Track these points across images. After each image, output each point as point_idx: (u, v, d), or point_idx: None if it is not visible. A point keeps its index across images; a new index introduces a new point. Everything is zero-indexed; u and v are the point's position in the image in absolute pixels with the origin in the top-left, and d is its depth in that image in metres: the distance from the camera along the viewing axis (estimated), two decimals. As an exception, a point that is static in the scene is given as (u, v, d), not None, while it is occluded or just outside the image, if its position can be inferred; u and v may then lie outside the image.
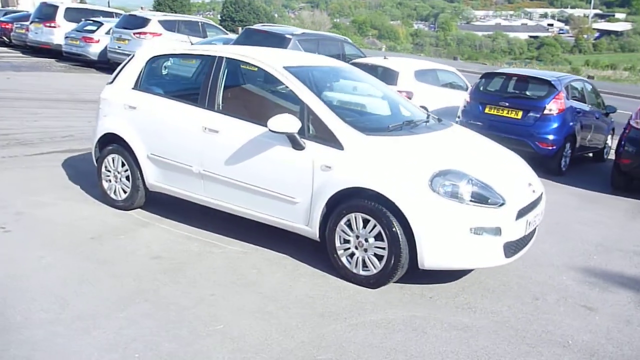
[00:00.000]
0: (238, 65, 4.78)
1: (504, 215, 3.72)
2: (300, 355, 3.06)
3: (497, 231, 3.68)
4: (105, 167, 5.31)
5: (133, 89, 5.13)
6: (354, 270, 3.98)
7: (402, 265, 3.78)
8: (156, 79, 5.30)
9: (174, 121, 4.77)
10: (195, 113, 4.63)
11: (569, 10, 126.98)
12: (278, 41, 10.64)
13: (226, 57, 4.65)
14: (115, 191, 5.29)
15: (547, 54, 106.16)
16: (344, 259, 4.02)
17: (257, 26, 12.76)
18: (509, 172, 4.19)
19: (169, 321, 3.32)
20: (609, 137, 10.03)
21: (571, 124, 8.11)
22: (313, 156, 4.01)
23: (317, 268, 4.22)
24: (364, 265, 3.93)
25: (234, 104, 4.67)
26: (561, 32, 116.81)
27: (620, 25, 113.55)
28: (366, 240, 3.88)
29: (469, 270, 4.29)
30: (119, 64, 5.70)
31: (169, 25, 13.95)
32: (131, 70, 5.22)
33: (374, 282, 3.90)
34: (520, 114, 8.02)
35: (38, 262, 4.06)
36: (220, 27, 16.84)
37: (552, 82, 8.08)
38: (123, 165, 5.18)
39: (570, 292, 4.16)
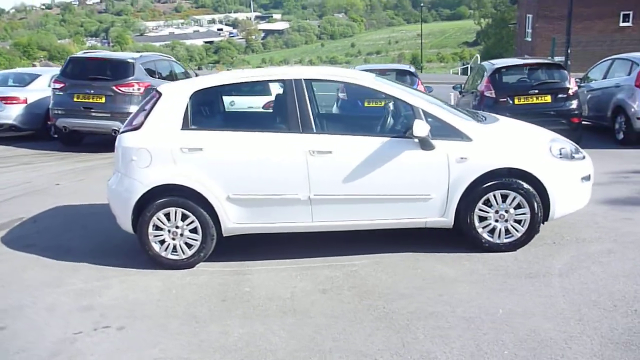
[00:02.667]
0: (319, 85, 4.74)
1: (590, 164, 4.84)
2: (610, 306, 3.62)
3: (589, 177, 4.78)
4: (155, 226, 4.59)
5: (183, 129, 4.55)
6: (497, 241, 4.59)
7: (541, 223, 4.58)
8: (210, 113, 4.79)
9: (262, 153, 4.49)
10: (291, 139, 4.48)
11: (233, 15, 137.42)
12: (119, 66, 9.78)
13: (305, 79, 4.59)
14: (175, 249, 4.63)
15: (227, 57, 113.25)
16: (485, 235, 4.59)
17: (81, 54, 11.21)
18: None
19: (482, 335, 3.38)
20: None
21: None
22: (446, 152, 4.44)
23: (454, 253, 4.66)
24: (507, 233, 4.59)
25: (334, 122, 4.68)
26: (232, 35, 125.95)
27: (280, 25, 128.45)
28: (506, 212, 4.54)
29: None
30: None
31: None
32: (168, 110, 4.60)
33: (519, 243, 4.59)
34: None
35: (260, 345, 3.55)
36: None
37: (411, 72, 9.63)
38: (185, 217, 4.57)
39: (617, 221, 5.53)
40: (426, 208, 4.55)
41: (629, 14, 29.99)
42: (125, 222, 4.69)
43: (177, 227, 4.61)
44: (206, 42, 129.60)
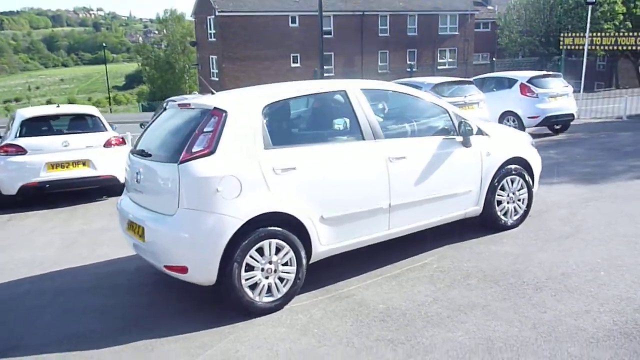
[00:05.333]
0: (374, 94, 4.71)
1: (535, 151, 6.15)
2: None
3: (539, 161, 6.10)
4: (247, 266, 3.90)
5: (267, 149, 3.99)
6: (510, 220, 5.43)
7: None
8: (285, 128, 4.21)
9: (350, 166, 4.32)
10: (369, 147, 4.43)
11: None
12: None
13: (362, 89, 4.60)
14: (268, 291, 4.01)
15: None
16: (502, 216, 5.39)
17: None
18: None
19: (625, 272, 4.19)
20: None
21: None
22: (479, 148, 5.09)
23: (479, 237, 5.30)
24: (515, 212, 5.48)
25: (396, 127, 4.74)
26: None
27: None
28: (513, 194, 5.44)
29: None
30: None
31: None
32: (242, 129, 3.97)
33: (521, 218, 5.54)
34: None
35: None
36: None
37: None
38: (278, 250, 4.03)
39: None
40: (468, 200, 5.09)
41: (297, 56, 35.19)
42: (208, 270, 3.80)
43: (270, 263, 3.98)
44: None
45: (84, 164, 7.97)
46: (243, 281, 3.87)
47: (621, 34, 18.68)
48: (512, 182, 5.41)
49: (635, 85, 32.64)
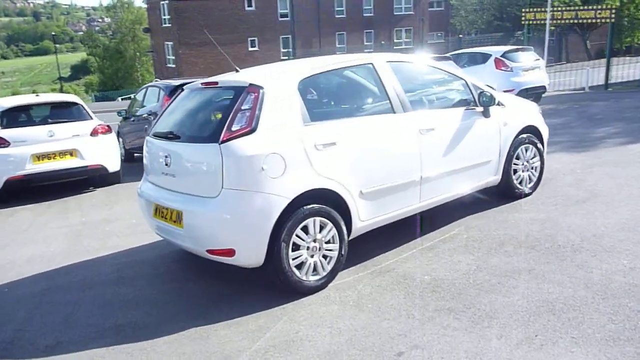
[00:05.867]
0: (399, 66, 4.64)
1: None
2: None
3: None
4: (294, 245, 3.83)
5: (306, 124, 3.90)
6: (525, 188, 5.52)
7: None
8: (320, 102, 4.14)
9: (385, 139, 4.28)
10: (401, 120, 4.40)
11: None
12: None
13: (387, 61, 4.54)
14: (314, 269, 3.95)
15: None
16: (518, 184, 5.46)
17: None
18: None
19: None
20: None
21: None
22: (497, 119, 5.13)
23: (498, 207, 5.38)
24: (529, 180, 5.58)
25: (421, 99, 4.70)
26: None
27: None
28: (528, 162, 5.53)
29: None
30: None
31: None
32: (281, 105, 3.85)
33: (535, 186, 5.64)
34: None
35: None
36: None
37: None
38: (322, 228, 3.96)
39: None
40: (488, 170, 5.14)
41: (255, 40, 34.67)
42: (256, 251, 3.71)
43: (314, 241, 3.91)
44: None
45: (71, 154, 7.61)
46: (290, 261, 3.79)
47: (580, 7, 19.19)
48: (526, 150, 5.48)
49: (584, 59, 33.76)
